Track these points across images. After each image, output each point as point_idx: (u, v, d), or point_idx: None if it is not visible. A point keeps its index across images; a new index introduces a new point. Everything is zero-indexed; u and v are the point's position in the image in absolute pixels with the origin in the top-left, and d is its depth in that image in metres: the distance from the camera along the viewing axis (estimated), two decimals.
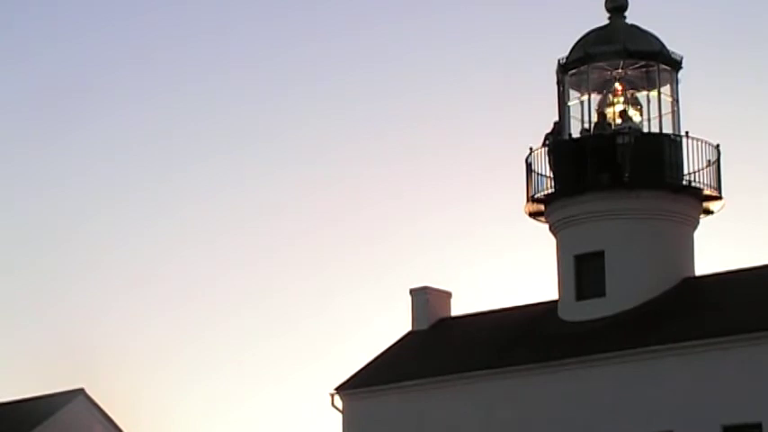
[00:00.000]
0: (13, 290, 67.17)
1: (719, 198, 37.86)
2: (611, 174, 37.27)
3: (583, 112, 39.17)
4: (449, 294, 42.07)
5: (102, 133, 71.88)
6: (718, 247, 40.50)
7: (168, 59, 72.73)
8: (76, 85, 72.20)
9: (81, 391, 47.11)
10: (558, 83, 39.08)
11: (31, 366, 60.18)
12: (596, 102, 39.24)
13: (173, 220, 68.78)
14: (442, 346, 40.00)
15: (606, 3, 39.14)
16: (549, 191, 38.37)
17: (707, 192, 37.74)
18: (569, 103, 39.19)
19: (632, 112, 38.60)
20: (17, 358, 62.14)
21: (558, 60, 38.88)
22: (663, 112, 38.64)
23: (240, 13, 71.59)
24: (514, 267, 55.41)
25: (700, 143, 37.74)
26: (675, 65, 38.57)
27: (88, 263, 68.39)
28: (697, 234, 38.11)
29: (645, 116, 38.90)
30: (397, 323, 42.10)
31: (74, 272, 69.26)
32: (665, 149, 37.76)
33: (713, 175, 37.84)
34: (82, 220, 70.48)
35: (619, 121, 38.42)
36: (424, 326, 41.26)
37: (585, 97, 39.34)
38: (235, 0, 72.22)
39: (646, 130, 38.56)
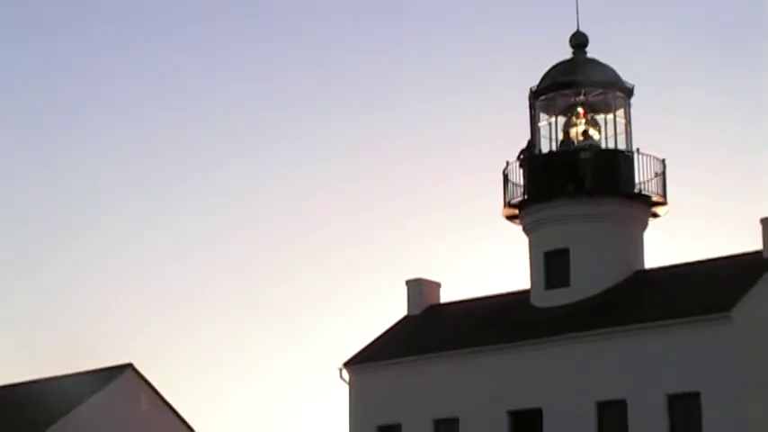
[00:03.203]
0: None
1: (665, 204, 38.03)
2: (574, 183, 37.54)
3: (551, 131, 39.29)
4: (438, 284, 42.34)
5: (105, 131, 71.07)
6: (663, 245, 40.47)
7: (169, 61, 71.73)
8: (78, 86, 71.48)
9: (129, 365, 45.98)
10: (531, 107, 39.08)
11: (82, 343, 60.70)
12: (562, 123, 39.23)
13: (194, 211, 68.80)
14: (432, 328, 40.30)
15: (570, 40, 39.33)
16: (523, 197, 38.44)
17: (655, 199, 37.87)
18: (539, 124, 39.22)
19: (592, 132, 38.75)
20: (67, 335, 61.84)
21: (531, 88, 39.00)
22: (618, 131, 38.79)
23: (240, 14, 70.56)
24: (494, 262, 55.43)
25: (648, 158, 37.89)
26: (628, 92, 38.70)
27: (121, 244, 68.32)
28: (646, 234, 38.29)
29: (603, 135, 38.91)
30: (394, 309, 42.48)
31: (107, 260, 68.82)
32: (620, 163, 37.93)
33: (660, 185, 37.96)
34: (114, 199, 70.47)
35: (581, 139, 38.57)
36: (418, 311, 41.60)
37: (553, 119, 39.37)
38: (234, 2, 71.39)
39: (604, 146, 38.63)
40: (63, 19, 73.60)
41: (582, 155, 38.02)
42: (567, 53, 39.63)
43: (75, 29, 73.51)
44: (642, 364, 33.80)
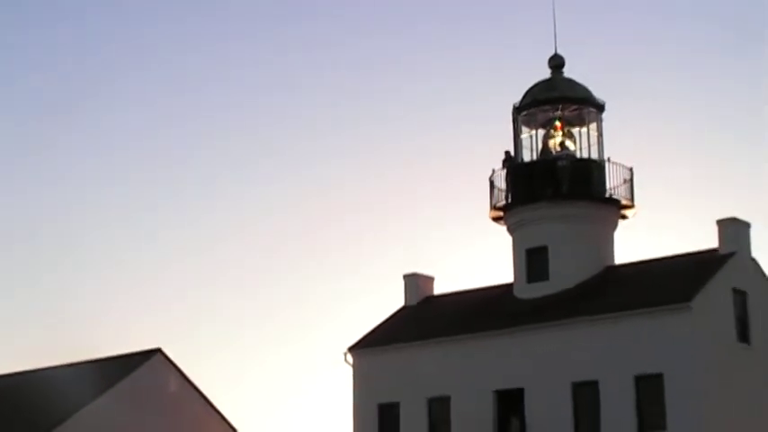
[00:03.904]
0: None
1: (633, 207, 38.32)
2: (553, 189, 37.84)
3: (532, 142, 39.63)
4: (432, 278, 42.61)
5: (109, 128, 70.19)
6: (631, 243, 40.53)
7: (172, 68, 70.82)
8: (80, 89, 70.52)
9: (158, 350, 44.88)
10: (514, 121, 39.46)
11: (114, 328, 60.25)
12: (542, 135, 39.50)
13: (216, 213, 68.33)
14: (427, 317, 40.51)
15: (549, 62, 39.74)
16: (507, 201, 38.68)
17: (624, 202, 38.17)
18: (522, 136, 39.59)
19: (568, 143, 39.10)
20: (104, 324, 62.27)
21: (514, 104, 39.40)
22: (591, 143, 39.05)
23: (236, 24, 70.04)
24: (481, 258, 56.02)
25: (618, 166, 38.20)
26: (600, 108, 39.05)
27: (143, 240, 68.04)
28: (616, 233, 38.49)
29: (578, 146, 39.19)
30: (393, 300, 42.86)
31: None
32: (592, 170, 38.26)
33: (628, 190, 38.27)
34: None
35: (559, 149, 38.95)
36: (414, 302, 41.93)
37: (534, 132, 39.72)
38: (233, 11, 70.65)
39: (579, 156, 38.88)
40: (64, 24, 73.04)
41: (559, 163, 38.33)
42: (546, 73, 40.10)
43: (76, 33, 72.94)
44: (612, 349, 34.14)
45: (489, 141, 44.12)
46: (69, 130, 69.73)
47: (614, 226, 38.47)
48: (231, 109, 70.09)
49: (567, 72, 39.90)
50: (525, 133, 39.83)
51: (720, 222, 35.73)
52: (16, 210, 70.17)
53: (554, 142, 39.19)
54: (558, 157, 38.61)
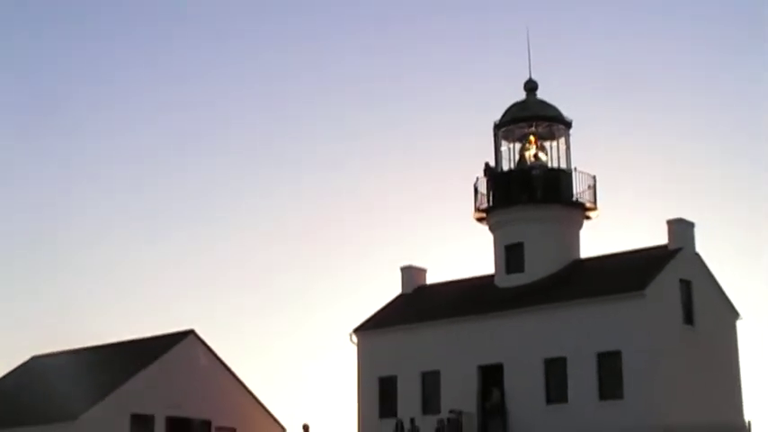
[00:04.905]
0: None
1: (596, 209, 38.55)
2: (528, 194, 38.19)
3: (509, 154, 40.03)
4: (425, 270, 42.81)
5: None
6: (594, 240, 40.04)
7: (174, 69, 69.14)
8: (81, 88, 68.77)
9: (192, 331, 44.24)
10: (494, 135, 39.82)
11: (149, 310, 59.81)
12: (518, 148, 39.79)
13: (234, 211, 67.55)
14: (421, 303, 40.77)
15: (524, 85, 40.04)
16: (489, 204, 38.92)
17: (588, 205, 38.45)
18: (501, 149, 39.92)
19: (541, 155, 39.44)
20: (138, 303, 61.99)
21: (494, 122, 39.80)
22: (560, 154, 39.42)
23: (237, 21, 68.31)
24: (467, 253, 55.80)
25: (583, 174, 38.63)
26: (568, 124, 39.32)
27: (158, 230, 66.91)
28: (582, 231, 38.74)
29: (549, 157, 39.52)
30: (391, 288, 43.09)
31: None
32: (561, 178, 38.67)
33: (592, 195, 38.55)
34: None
35: (533, 160, 39.29)
36: (409, 290, 42.22)
37: (511, 145, 40.06)
38: (232, 13, 68.75)
39: (550, 166, 39.24)
40: (64, 25, 70.76)
41: (533, 172, 38.75)
42: (521, 95, 40.52)
43: (75, 34, 70.76)
44: (578, 330, 34.54)
45: (474, 153, 43.92)
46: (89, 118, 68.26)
47: (580, 225, 38.87)
48: (239, 102, 69.36)
49: (540, 94, 40.27)
50: (504, 146, 40.21)
51: (669, 222, 36.21)
52: (41, 200, 68.83)
53: (529, 154, 39.60)
54: (532, 167, 39.04)
